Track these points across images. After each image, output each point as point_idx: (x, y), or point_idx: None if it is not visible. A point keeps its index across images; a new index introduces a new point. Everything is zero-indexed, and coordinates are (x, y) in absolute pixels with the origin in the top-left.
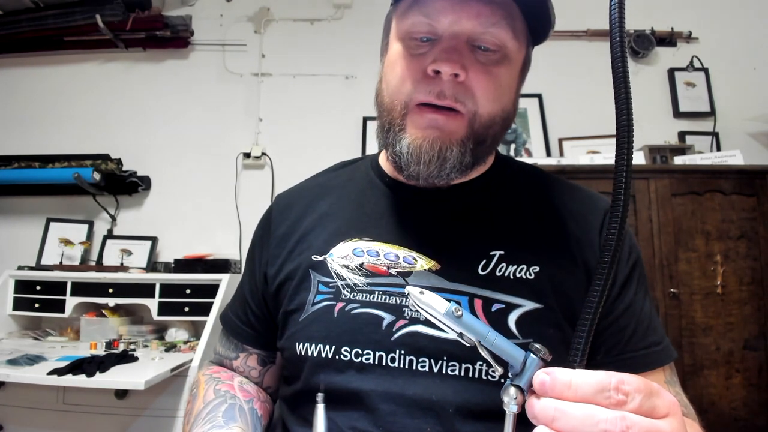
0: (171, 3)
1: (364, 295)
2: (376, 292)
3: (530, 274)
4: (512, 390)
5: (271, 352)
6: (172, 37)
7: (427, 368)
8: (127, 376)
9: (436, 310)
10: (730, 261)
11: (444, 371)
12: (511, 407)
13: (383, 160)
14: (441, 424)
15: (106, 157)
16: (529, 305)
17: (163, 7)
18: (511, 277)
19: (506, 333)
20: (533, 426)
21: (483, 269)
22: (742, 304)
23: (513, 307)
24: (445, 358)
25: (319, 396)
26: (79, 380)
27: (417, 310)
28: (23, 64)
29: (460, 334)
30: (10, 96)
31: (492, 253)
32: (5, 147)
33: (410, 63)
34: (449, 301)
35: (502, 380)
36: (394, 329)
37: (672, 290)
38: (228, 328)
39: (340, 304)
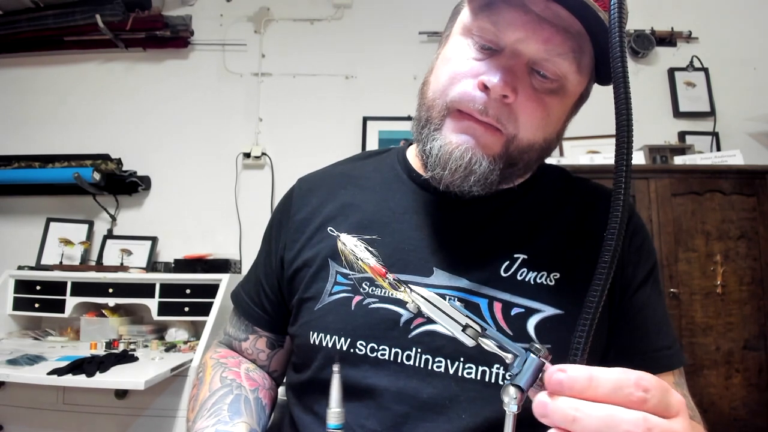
0: (171, 3)
1: (383, 290)
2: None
3: (551, 281)
4: (512, 390)
5: (280, 336)
6: (172, 37)
7: (443, 369)
8: (127, 376)
9: (441, 301)
10: (730, 261)
11: (460, 373)
12: (510, 407)
13: (412, 155)
14: (451, 430)
15: (106, 157)
16: (549, 311)
17: (163, 7)
18: (532, 282)
19: (525, 338)
20: (533, 426)
21: (505, 271)
22: (742, 304)
23: (533, 311)
24: (461, 359)
25: (336, 366)
26: (79, 380)
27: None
28: (23, 64)
29: (465, 326)
30: (10, 96)
31: (516, 255)
32: (5, 147)
33: (463, 66)
34: (469, 303)
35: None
36: (411, 327)
37: (672, 290)
38: (240, 308)
39: (357, 298)
